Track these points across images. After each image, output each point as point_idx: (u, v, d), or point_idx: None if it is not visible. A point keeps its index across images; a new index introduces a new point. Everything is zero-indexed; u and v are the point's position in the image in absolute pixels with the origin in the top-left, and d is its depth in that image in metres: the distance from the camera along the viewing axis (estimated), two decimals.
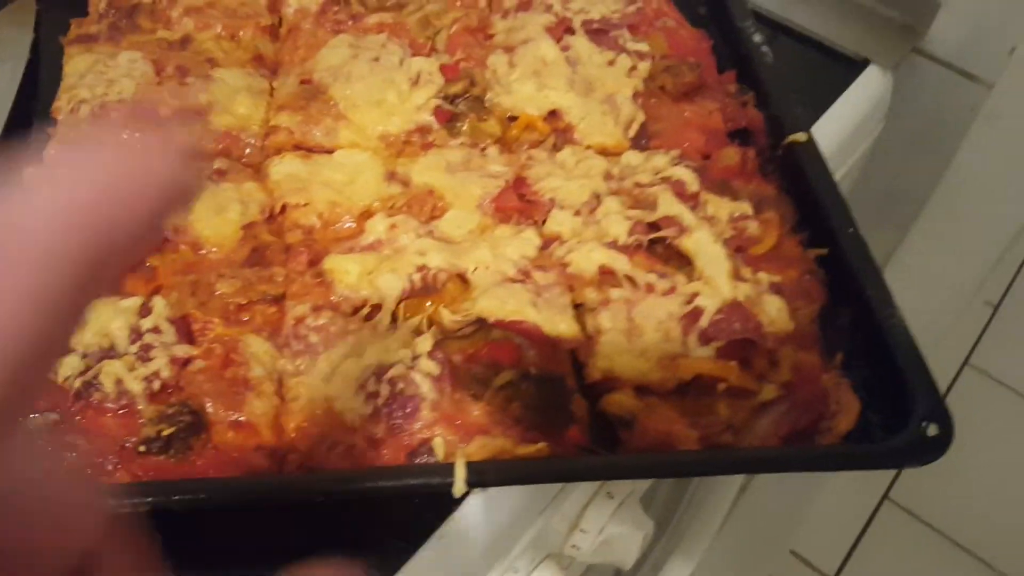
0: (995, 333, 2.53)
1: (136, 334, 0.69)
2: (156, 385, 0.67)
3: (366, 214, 0.83)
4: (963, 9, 1.26)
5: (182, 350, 0.69)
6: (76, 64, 0.90)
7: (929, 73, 1.29)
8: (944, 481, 2.20)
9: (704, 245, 0.80)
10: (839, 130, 1.17)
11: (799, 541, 2.09)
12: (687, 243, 0.81)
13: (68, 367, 0.67)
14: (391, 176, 0.86)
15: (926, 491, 2.14)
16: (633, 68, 0.98)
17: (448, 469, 0.63)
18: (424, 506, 0.70)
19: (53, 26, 0.98)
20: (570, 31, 1.01)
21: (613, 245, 0.81)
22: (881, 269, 0.80)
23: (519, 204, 0.85)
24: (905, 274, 1.43)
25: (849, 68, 1.22)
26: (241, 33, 0.96)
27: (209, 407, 0.67)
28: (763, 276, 0.80)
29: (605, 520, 0.80)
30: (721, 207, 0.86)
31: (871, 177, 1.36)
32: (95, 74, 0.88)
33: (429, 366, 0.71)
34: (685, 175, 0.87)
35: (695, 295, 0.77)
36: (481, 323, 0.73)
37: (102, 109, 0.84)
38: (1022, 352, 2.48)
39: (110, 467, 0.64)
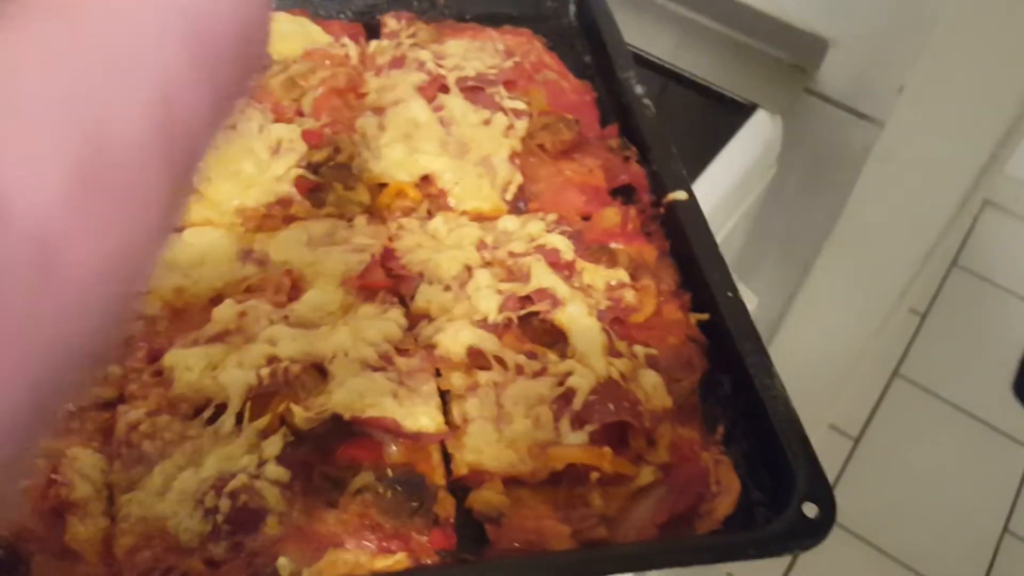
0: (922, 343, 2.55)
1: None
2: None
3: (216, 300, 0.77)
4: (851, 48, 1.26)
5: None
6: None
7: (820, 113, 1.29)
8: (875, 492, 2.21)
9: (578, 319, 0.77)
10: (729, 176, 1.15)
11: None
12: (560, 317, 0.77)
13: None
14: (246, 255, 0.80)
15: (857, 502, 2.14)
16: (510, 127, 0.95)
17: None
18: None
19: None
20: (444, 89, 0.97)
21: (483, 323, 0.76)
22: (761, 337, 0.77)
23: (385, 280, 0.80)
24: (811, 309, 1.43)
25: (739, 112, 1.21)
26: None
27: (31, 539, 0.60)
28: (639, 349, 0.77)
29: None
30: (597, 275, 0.82)
31: (769, 218, 1.35)
32: None
33: (277, 472, 0.65)
34: (560, 243, 0.83)
35: (567, 375, 0.73)
36: (337, 420, 0.68)
37: None
38: (949, 361, 2.51)
39: None
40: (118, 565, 0.61)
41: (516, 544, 0.66)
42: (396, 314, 0.76)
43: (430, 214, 0.88)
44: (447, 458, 0.70)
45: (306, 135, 0.89)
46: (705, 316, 0.80)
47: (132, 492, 0.64)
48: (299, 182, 0.86)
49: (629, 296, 0.81)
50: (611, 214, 0.90)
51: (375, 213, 0.87)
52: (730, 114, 1.20)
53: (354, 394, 0.69)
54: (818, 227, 1.33)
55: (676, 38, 1.29)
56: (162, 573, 0.61)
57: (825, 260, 1.34)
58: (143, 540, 0.62)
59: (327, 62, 0.99)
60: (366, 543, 0.63)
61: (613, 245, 0.87)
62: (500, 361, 0.74)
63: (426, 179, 0.89)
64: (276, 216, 0.85)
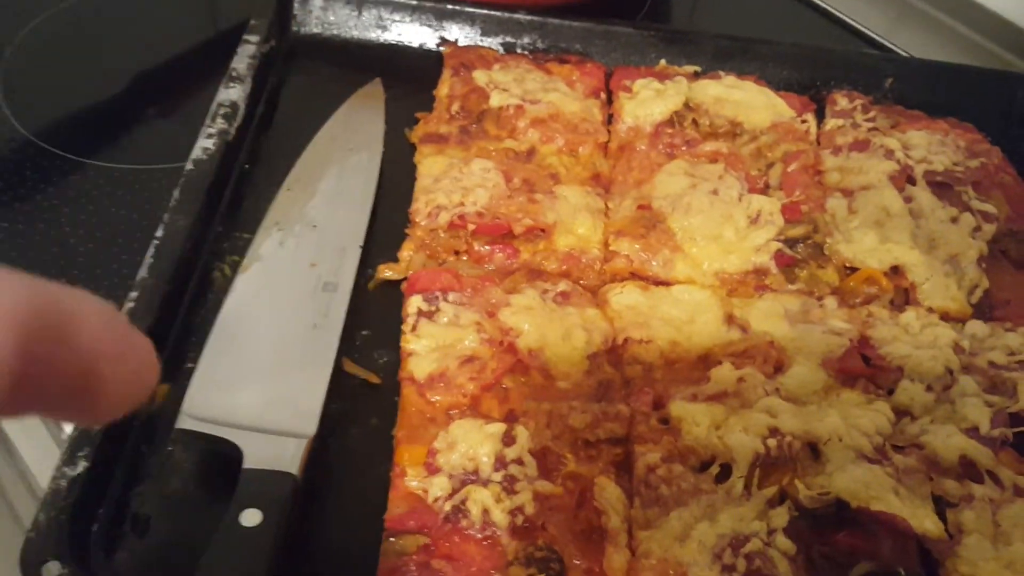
0: None
1: (500, 462, 0.70)
2: (519, 520, 0.68)
3: (703, 357, 0.82)
4: None
5: (545, 487, 0.70)
6: (430, 166, 0.94)
7: None
8: None
9: None
10: None
11: None
12: None
13: (438, 487, 0.69)
14: (730, 319, 0.84)
15: None
16: (977, 228, 0.94)
17: None
18: None
19: (394, 115, 1.03)
20: (911, 181, 0.97)
21: (974, 433, 0.76)
22: None
23: (864, 368, 0.82)
24: None
25: None
26: (581, 149, 0.98)
27: (567, 552, 0.67)
28: None
29: None
30: None
31: None
32: (451, 179, 0.91)
33: (786, 544, 0.68)
34: None
35: None
36: (841, 505, 0.70)
37: (460, 219, 0.87)
38: None
39: None
40: None
41: None
42: (884, 407, 0.78)
43: (894, 304, 0.89)
44: (926, 562, 0.71)
45: (784, 209, 0.92)
46: None
47: (650, 531, 0.69)
48: (777, 256, 0.89)
49: None
50: None
51: (842, 296, 0.89)
52: None
53: (859, 483, 0.71)
54: None
55: None
56: None
57: None
58: None
59: (790, 136, 1.02)
60: None
61: None
62: (994, 477, 0.73)
63: (895, 270, 0.90)
64: (750, 283, 0.89)
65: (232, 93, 0.96)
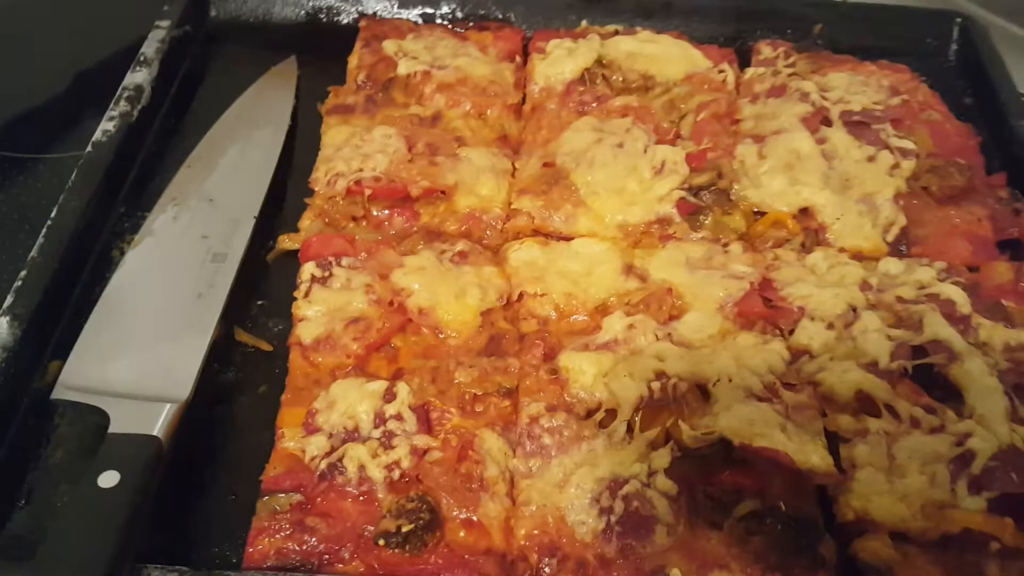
0: None
1: (380, 419, 0.70)
2: (396, 474, 0.67)
3: (601, 308, 0.81)
4: None
5: (422, 440, 0.69)
6: (333, 136, 0.94)
7: None
8: None
9: (977, 378, 0.72)
10: None
11: None
12: (957, 373, 0.73)
13: (315, 446, 0.68)
14: (628, 270, 0.83)
15: None
16: (895, 166, 0.91)
17: None
18: None
19: (310, 91, 1.03)
20: (827, 122, 0.95)
21: (872, 368, 0.74)
22: None
23: (764, 310, 0.80)
24: None
25: None
26: (488, 111, 0.97)
27: (444, 503, 0.67)
28: None
29: None
30: (995, 334, 0.77)
31: None
32: (351, 147, 0.91)
33: (666, 485, 0.67)
34: (955, 294, 0.79)
35: (966, 436, 0.69)
36: (725, 444, 0.69)
37: (357, 185, 0.87)
38: None
39: (346, 555, 0.64)
40: (518, 544, 0.66)
41: None
42: (779, 346, 0.76)
43: (804, 247, 0.87)
44: (823, 501, 0.69)
45: (689, 158, 0.91)
46: None
47: (531, 479, 0.68)
48: (680, 204, 0.88)
49: None
50: (1003, 269, 0.85)
51: (750, 241, 0.88)
52: None
53: (743, 421, 0.69)
54: None
55: None
56: (558, 560, 0.64)
57: None
58: (542, 527, 0.66)
59: (706, 87, 1.01)
60: (750, 570, 0.64)
61: (1005, 303, 0.82)
62: (891, 411, 0.72)
63: (805, 212, 0.88)
64: (654, 234, 0.87)
65: (138, 77, 0.96)
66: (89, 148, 0.88)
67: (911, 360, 0.75)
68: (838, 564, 0.65)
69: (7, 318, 0.73)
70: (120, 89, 0.95)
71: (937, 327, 0.76)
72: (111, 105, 0.93)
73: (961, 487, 0.67)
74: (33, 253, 0.78)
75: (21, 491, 0.69)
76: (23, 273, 0.77)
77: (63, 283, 0.79)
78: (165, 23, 1.04)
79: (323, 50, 1.09)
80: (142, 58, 0.99)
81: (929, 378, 0.75)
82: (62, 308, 0.79)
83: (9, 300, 0.74)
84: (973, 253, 0.87)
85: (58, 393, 0.69)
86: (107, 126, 0.90)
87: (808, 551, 0.65)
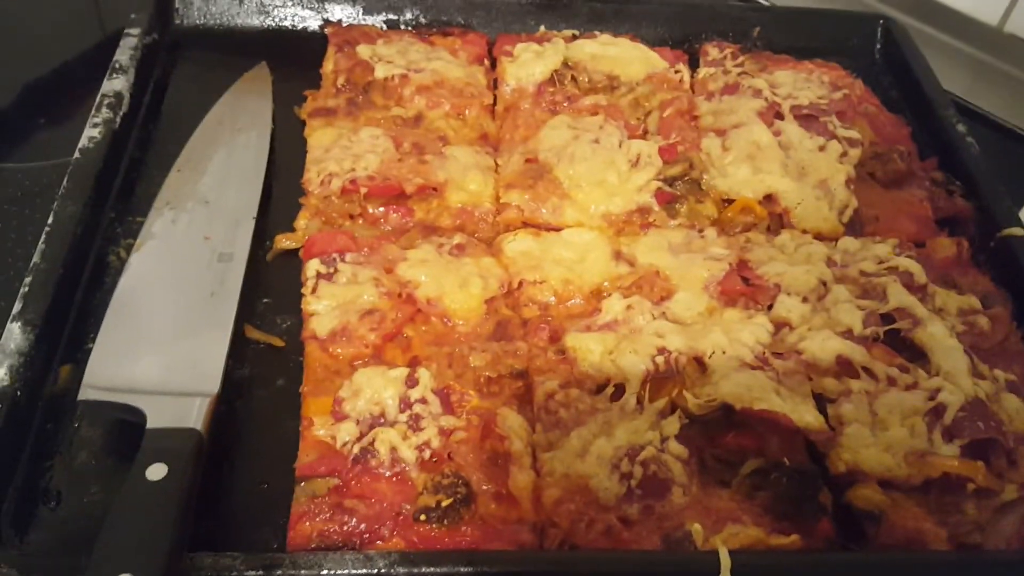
0: None
1: (405, 403, 0.73)
2: (427, 454, 0.71)
3: (595, 292, 0.86)
4: None
5: (448, 421, 0.72)
6: (319, 138, 0.96)
7: None
8: None
9: (940, 339, 0.81)
10: None
11: None
12: (921, 336, 0.81)
13: (345, 432, 0.71)
14: (617, 255, 0.88)
15: None
16: (844, 154, 1.00)
17: (711, 558, 0.64)
18: None
19: (280, 95, 1.05)
20: (779, 116, 1.03)
21: (848, 335, 0.81)
22: None
23: (744, 288, 0.87)
24: None
25: None
26: (467, 112, 1.01)
27: (474, 479, 0.70)
28: (999, 373, 0.80)
29: None
30: (949, 300, 0.86)
31: None
32: (340, 148, 0.94)
33: (678, 449, 0.72)
34: (912, 266, 0.87)
35: (937, 391, 0.77)
36: (726, 408, 0.75)
37: (352, 184, 0.90)
38: None
39: (385, 532, 0.67)
40: (546, 513, 0.70)
41: (894, 541, 0.70)
42: (763, 320, 0.83)
43: (771, 230, 0.95)
44: (814, 456, 0.76)
45: (661, 151, 0.97)
46: None
47: (553, 451, 0.73)
48: (658, 193, 0.94)
49: (983, 322, 0.84)
50: (946, 244, 0.94)
51: (722, 226, 0.94)
52: None
53: (741, 387, 0.75)
54: None
55: (969, 79, 1.30)
56: (586, 524, 0.69)
57: None
58: (567, 494, 0.70)
59: (665, 86, 1.07)
60: (760, 522, 0.70)
61: (952, 274, 0.91)
62: (869, 372, 0.79)
63: (769, 198, 0.96)
64: (635, 223, 0.93)
65: (116, 84, 0.96)
66: (77, 154, 0.88)
67: (881, 327, 0.82)
68: (838, 515, 0.72)
69: (19, 324, 0.73)
70: (100, 97, 0.94)
71: (900, 296, 0.84)
72: (93, 112, 0.92)
73: (937, 436, 0.75)
74: (36, 259, 0.78)
75: (50, 494, 0.69)
76: (28, 279, 0.76)
77: (67, 288, 0.79)
78: (135, 31, 1.03)
79: (289, 56, 1.10)
80: (117, 65, 0.98)
81: (898, 341, 0.83)
82: (67, 312, 0.79)
83: (18, 306, 0.74)
84: (918, 231, 0.96)
85: (85, 394, 0.69)
86: (92, 133, 0.90)
87: (811, 501, 0.71)
